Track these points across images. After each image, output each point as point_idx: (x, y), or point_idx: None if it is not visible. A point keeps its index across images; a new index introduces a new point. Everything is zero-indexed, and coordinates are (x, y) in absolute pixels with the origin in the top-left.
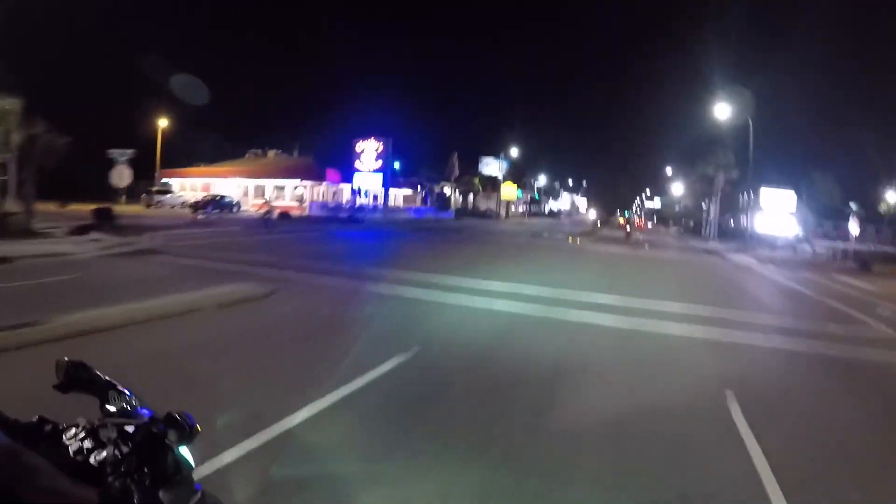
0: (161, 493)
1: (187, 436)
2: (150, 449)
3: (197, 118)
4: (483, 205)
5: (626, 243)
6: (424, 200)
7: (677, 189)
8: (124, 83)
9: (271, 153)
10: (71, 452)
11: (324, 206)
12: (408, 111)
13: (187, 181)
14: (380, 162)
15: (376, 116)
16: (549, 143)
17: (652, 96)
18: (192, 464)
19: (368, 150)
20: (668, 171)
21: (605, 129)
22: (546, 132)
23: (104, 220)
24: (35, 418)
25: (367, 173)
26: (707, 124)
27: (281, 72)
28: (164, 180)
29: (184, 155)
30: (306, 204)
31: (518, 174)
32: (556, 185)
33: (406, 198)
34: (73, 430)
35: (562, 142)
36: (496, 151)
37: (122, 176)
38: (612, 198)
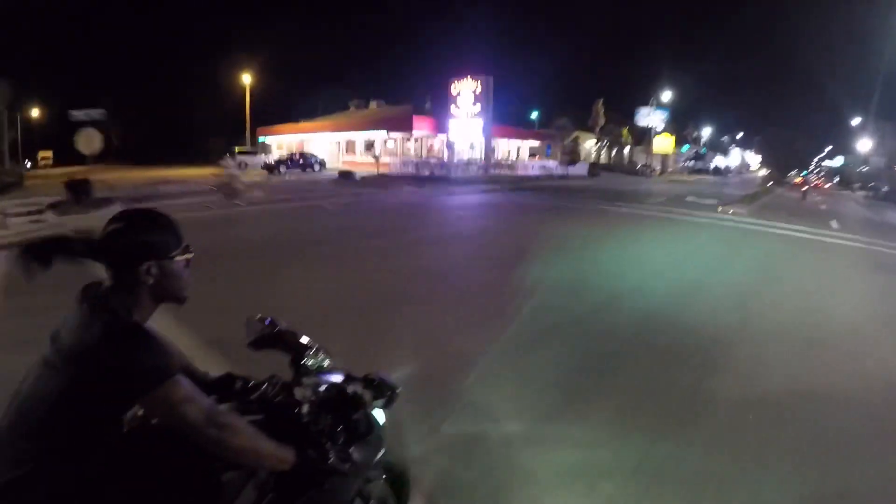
0: (352, 450)
1: (383, 397)
2: (343, 408)
3: (294, 72)
4: (640, 160)
5: (799, 211)
6: (547, 153)
7: (864, 145)
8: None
9: (373, 104)
10: (267, 409)
11: (407, 162)
12: (540, 49)
13: (285, 139)
14: (478, 106)
15: (490, 54)
16: (716, 93)
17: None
18: (382, 422)
19: (465, 93)
20: (855, 122)
21: (780, 77)
22: (712, 81)
23: (80, 194)
24: (223, 373)
25: (466, 119)
26: None
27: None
28: (260, 139)
29: (284, 111)
30: (387, 159)
31: (679, 127)
32: (725, 139)
33: (533, 150)
34: (266, 386)
35: (731, 92)
36: (653, 100)
37: (89, 141)
38: (787, 154)
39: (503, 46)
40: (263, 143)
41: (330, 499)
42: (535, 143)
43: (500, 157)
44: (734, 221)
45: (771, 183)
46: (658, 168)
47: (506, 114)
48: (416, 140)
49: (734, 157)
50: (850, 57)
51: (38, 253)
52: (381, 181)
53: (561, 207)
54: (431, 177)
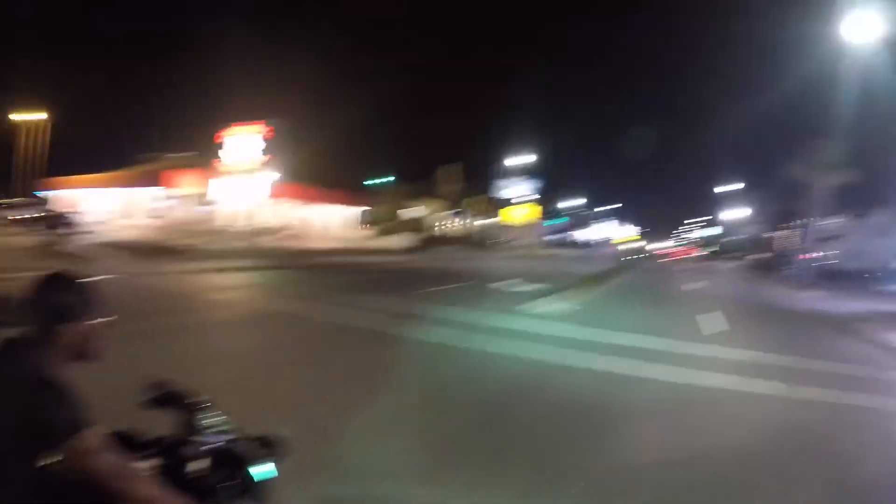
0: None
1: (272, 453)
2: (233, 464)
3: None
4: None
5: (662, 297)
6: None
7: (739, 213)
8: None
9: (168, 155)
10: (163, 464)
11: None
12: (381, 105)
13: (72, 193)
14: (257, 159)
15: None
16: (588, 161)
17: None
18: (270, 478)
19: (243, 141)
20: (731, 189)
21: (652, 146)
22: (584, 148)
23: None
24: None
25: (241, 174)
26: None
27: None
28: (40, 192)
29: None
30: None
31: (547, 198)
32: (593, 211)
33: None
34: (162, 443)
35: (603, 161)
36: (505, 169)
37: None
38: (658, 224)
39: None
40: (38, 196)
41: None
42: (352, 209)
43: (287, 224)
44: (531, 335)
45: (636, 256)
46: (513, 241)
47: (323, 172)
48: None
49: (604, 229)
50: (726, 126)
51: None
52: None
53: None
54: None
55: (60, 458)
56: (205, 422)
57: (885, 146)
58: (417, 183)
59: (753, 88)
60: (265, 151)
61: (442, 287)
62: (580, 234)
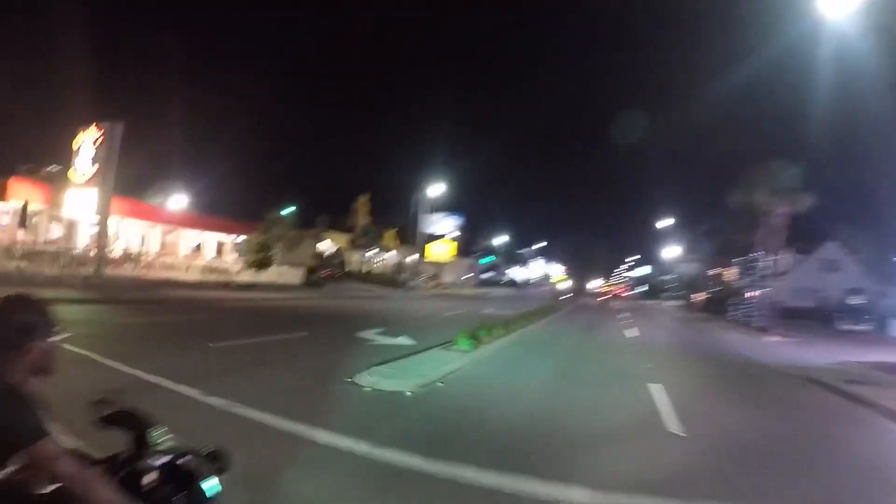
0: None
1: (216, 467)
2: (181, 479)
3: None
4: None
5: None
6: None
7: (672, 252)
8: None
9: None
10: (114, 480)
11: None
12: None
13: None
14: (95, 167)
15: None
16: (516, 198)
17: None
18: (216, 492)
19: (87, 148)
20: (663, 224)
21: (586, 182)
22: (512, 184)
23: None
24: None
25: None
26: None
27: None
28: None
29: None
30: None
31: (472, 234)
32: (527, 250)
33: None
34: (113, 460)
35: (533, 198)
36: (417, 202)
37: None
38: (589, 263)
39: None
40: None
41: None
42: (229, 237)
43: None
44: None
45: (568, 295)
46: (433, 279)
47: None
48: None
49: (536, 268)
50: (656, 160)
51: None
52: None
53: None
54: None
55: (24, 463)
56: (153, 439)
57: (843, 162)
58: (323, 215)
59: (690, 110)
60: (94, 160)
61: (277, 336)
62: (516, 273)
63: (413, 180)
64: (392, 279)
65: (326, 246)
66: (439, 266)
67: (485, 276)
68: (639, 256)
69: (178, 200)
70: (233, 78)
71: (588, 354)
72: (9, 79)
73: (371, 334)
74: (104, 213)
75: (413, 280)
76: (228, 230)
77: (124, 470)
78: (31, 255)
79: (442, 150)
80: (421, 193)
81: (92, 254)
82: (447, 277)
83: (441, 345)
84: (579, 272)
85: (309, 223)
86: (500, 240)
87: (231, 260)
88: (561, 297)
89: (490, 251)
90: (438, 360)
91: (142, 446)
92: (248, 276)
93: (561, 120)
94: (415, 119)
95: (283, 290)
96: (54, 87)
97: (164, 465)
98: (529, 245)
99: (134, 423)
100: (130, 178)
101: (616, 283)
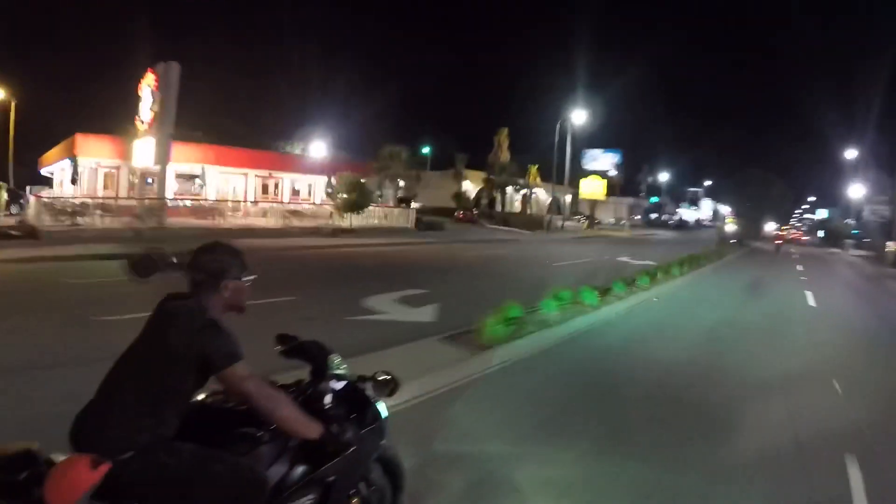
0: (363, 433)
1: (386, 391)
2: (356, 401)
3: None
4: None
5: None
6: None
7: (856, 192)
8: None
9: None
10: (299, 400)
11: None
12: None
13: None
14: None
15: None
16: (678, 132)
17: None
18: (385, 415)
19: (146, 94)
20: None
21: (757, 112)
22: (673, 116)
23: None
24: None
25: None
26: None
27: None
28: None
29: None
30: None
31: (631, 171)
32: (697, 190)
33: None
34: (299, 384)
35: (697, 132)
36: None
37: None
38: (761, 203)
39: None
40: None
41: (344, 470)
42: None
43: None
44: None
45: (734, 240)
46: (588, 220)
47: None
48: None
49: (705, 208)
50: (841, 93)
51: (145, 263)
52: None
53: None
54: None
55: (221, 383)
56: (333, 366)
57: None
58: (461, 154)
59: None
60: (151, 107)
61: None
62: (686, 213)
63: (557, 111)
64: (536, 220)
65: (466, 186)
66: (595, 205)
67: (652, 216)
68: (814, 199)
69: (302, 145)
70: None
71: (746, 340)
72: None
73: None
74: (163, 161)
75: (562, 221)
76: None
77: (305, 394)
78: (85, 209)
79: (592, 79)
80: (567, 123)
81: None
82: (606, 218)
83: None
84: (751, 213)
85: (447, 162)
86: (663, 177)
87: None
88: (730, 241)
89: (654, 190)
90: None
91: (320, 373)
92: (349, 222)
93: (731, 30)
94: (560, 39)
95: (389, 235)
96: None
97: (341, 389)
98: (696, 184)
99: (314, 353)
100: (225, 126)
101: (791, 227)
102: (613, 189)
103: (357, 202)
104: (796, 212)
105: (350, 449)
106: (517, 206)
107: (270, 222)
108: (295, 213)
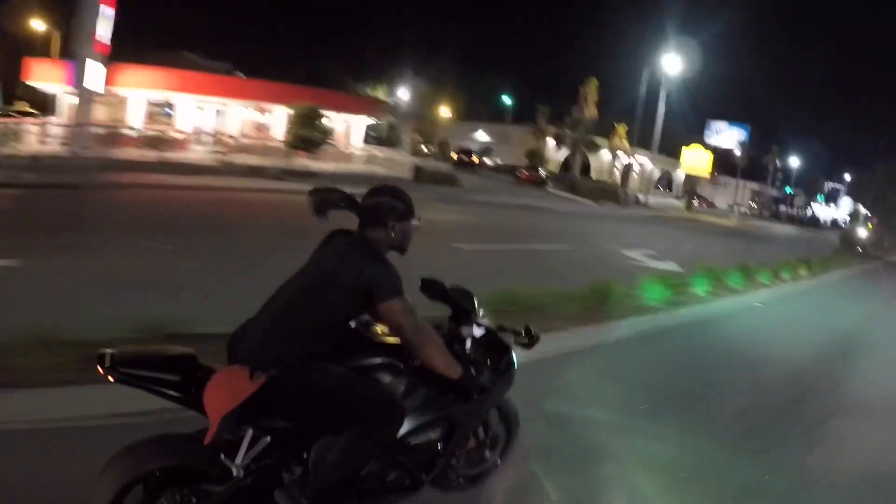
0: (497, 380)
1: (524, 343)
2: (493, 348)
3: None
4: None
5: None
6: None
7: None
8: None
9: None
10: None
11: None
12: None
13: None
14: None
15: None
16: (817, 108)
17: None
18: (516, 366)
19: None
20: None
21: None
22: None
23: None
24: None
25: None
26: None
27: None
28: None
29: None
30: None
31: (761, 150)
32: (838, 186)
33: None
34: (443, 328)
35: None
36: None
37: None
38: None
39: None
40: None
41: (471, 411)
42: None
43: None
44: None
45: (861, 248)
46: (693, 198)
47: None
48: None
49: (844, 207)
50: None
51: (324, 197)
52: None
53: None
54: None
55: (379, 315)
56: (473, 314)
57: None
58: (543, 107)
59: None
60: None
61: None
62: (822, 210)
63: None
64: (611, 191)
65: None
66: (696, 183)
67: (782, 208)
68: None
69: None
70: None
71: None
72: None
73: None
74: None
75: (645, 195)
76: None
77: (447, 336)
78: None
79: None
80: (659, 72)
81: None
82: (722, 202)
83: None
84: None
85: (527, 116)
86: (795, 163)
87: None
88: (856, 248)
89: (784, 177)
90: None
91: (464, 318)
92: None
93: None
94: None
95: (356, 183)
96: None
97: (482, 335)
98: (836, 177)
99: (460, 299)
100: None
101: None
102: (733, 169)
103: (308, 138)
104: None
105: (483, 393)
106: (616, 175)
107: (206, 158)
108: (244, 149)
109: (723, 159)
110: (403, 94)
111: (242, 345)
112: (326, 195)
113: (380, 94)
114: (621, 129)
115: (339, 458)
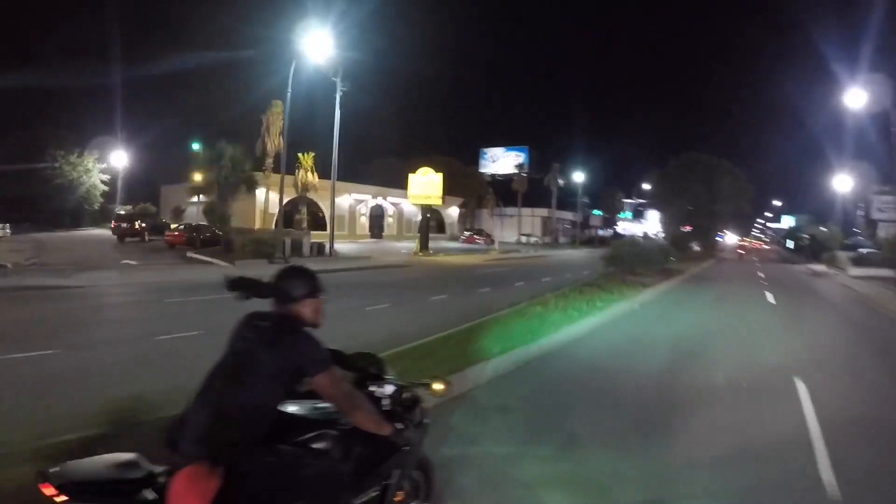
0: (416, 430)
1: (435, 394)
2: (404, 402)
3: None
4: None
5: None
6: None
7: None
8: None
9: None
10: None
11: None
12: None
13: None
14: None
15: None
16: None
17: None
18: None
19: None
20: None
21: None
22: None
23: None
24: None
25: None
26: None
27: None
28: None
29: None
30: None
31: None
32: (627, 201)
33: None
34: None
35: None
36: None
37: None
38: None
39: None
40: None
41: (403, 462)
42: None
43: None
44: None
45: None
46: (419, 237)
47: None
48: None
49: (652, 220)
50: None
51: (242, 285)
52: None
53: None
54: None
55: (313, 385)
56: (383, 374)
57: None
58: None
59: None
60: None
61: None
62: (630, 227)
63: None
64: (267, 243)
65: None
66: (429, 213)
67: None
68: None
69: None
70: None
71: None
72: None
73: None
74: None
75: (328, 244)
76: None
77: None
78: None
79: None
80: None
81: None
82: (509, 235)
83: None
84: (686, 220)
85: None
86: (580, 178)
87: None
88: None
89: (567, 196)
90: None
91: (368, 380)
92: None
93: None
94: None
95: None
96: None
97: (394, 391)
98: (633, 191)
99: (363, 364)
100: None
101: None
102: (513, 197)
103: None
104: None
105: (410, 445)
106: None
107: None
108: None
109: (504, 188)
110: None
111: (185, 437)
112: (241, 280)
113: None
114: (307, 158)
115: None
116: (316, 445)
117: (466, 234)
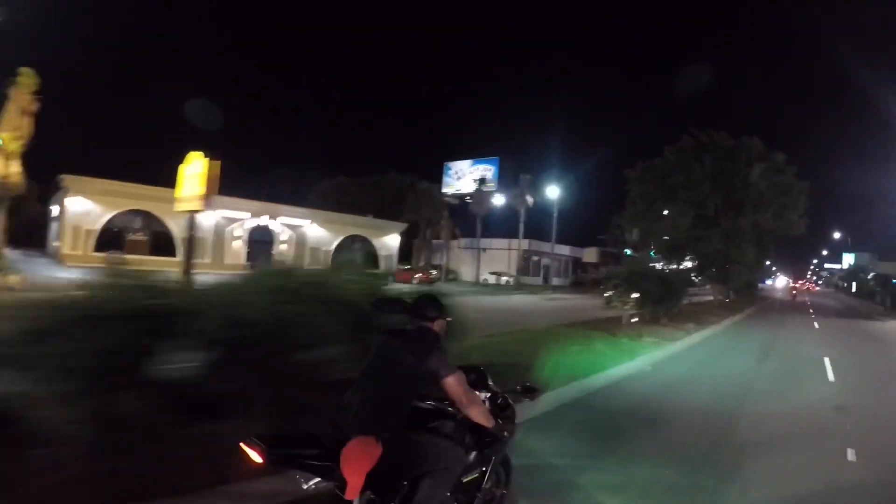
0: (507, 426)
1: (529, 395)
2: (502, 405)
3: None
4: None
5: None
6: None
7: None
8: None
9: None
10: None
11: None
12: None
13: None
14: None
15: None
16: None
17: None
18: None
19: None
20: None
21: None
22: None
23: None
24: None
25: None
26: None
27: None
28: None
29: None
30: None
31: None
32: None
33: None
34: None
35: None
36: None
37: None
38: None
39: None
40: None
41: (499, 450)
42: None
43: None
44: None
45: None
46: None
47: None
48: None
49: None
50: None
51: (387, 304)
52: None
53: None
54: None
55: (443, 387)
56: (487, 383)
57: None
58: None
59: None
60: None
61: None
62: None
63: None
64: None
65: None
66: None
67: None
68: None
69: None
70: None
71: None
72: None
73: None
74: None
75: None
76: None
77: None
78: None
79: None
80: None
81: None
82: (484, 269)
83: None
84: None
85: None
86: (554, 194)
87: None
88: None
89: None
90: None
91: (478, 384)
92: None
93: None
94: None
95: None
96: None
97: (491, 395)
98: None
99: (477, 373)
100: None
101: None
102: (489, 224)
103: None
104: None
105: (507, 436)
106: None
107: None
108: None
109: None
110: None
111: (351, 421)
112: (388, 301)
113: None
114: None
115: (428, 494)
116: (442, 424)
117: (404, 268)
